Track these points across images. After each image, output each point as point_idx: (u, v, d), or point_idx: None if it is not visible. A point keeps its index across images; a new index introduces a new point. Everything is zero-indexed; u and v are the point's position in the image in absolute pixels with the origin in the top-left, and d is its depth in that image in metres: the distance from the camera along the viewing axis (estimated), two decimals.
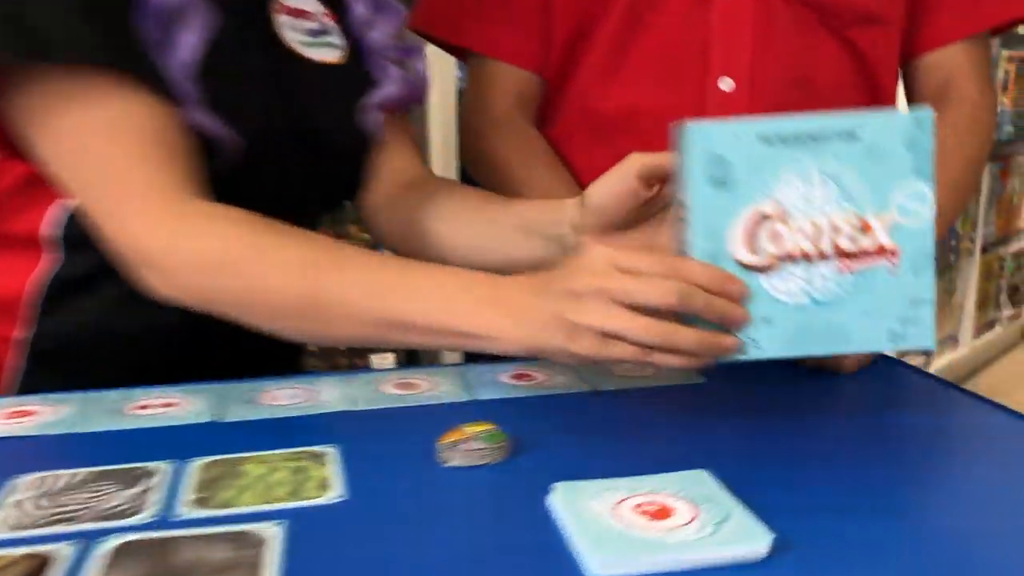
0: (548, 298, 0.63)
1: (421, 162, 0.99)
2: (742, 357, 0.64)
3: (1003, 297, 4.04)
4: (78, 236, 0.76)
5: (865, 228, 0.64)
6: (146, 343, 0.83)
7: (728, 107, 0.95)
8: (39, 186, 0.76)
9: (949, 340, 3.69)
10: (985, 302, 3.88)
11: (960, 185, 0.96)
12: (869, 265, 0.65)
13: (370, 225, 0.97)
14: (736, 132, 0.63)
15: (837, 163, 0.64)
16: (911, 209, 0.64)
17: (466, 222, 0.86)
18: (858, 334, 0.65)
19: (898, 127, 0.64)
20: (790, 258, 0.64)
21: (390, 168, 0.95)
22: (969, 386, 3.50)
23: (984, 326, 3.90)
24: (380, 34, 0.92)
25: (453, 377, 0.82)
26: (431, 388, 0.79)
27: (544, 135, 1.03)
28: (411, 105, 0.97)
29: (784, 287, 0.64)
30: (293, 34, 0.86)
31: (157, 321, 0.77)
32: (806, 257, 0.64)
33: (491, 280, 0.67)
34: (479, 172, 1.04)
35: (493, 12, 1.02)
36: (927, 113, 0.64)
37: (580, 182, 0.98)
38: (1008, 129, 3.74)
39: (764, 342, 0.64)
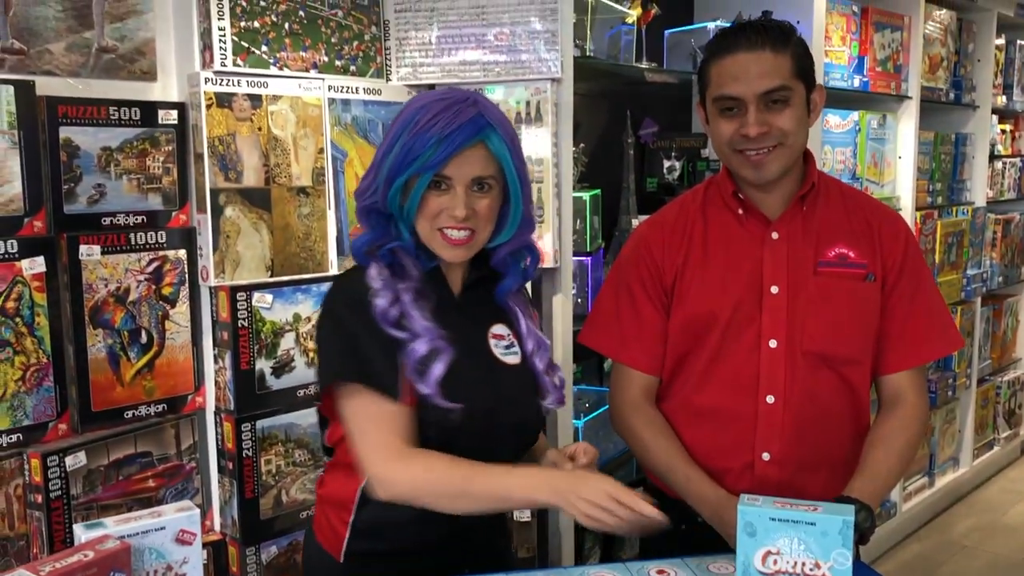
0: (577, 492, 1.30)
1: None
2: None
3: (1000, 420, 4.65)
4: None
5: (817, 566, 1.29)
6: (416, 525, 1.42)
7: (771, 414, 1.61)
8: None
9: (951, 462, 4.29)
10: (983, 426, 4.49)
11: (904, 455, 1.62)
12: None
13: None
14: (760, 513, 1.30)
15: (805, 535, 1.29)
16: (839, 560, 1.28)
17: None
18: None
19: (836, 524, 1.28)
20: (782, 573, 1.30)
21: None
22: (969, 502, 4.11)
23: (983, 447, 4.50)
24: (539, 361, 1.53)
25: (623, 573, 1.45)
26: None
27: (660, 408, 1.71)
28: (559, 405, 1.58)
29: None
30: (497, 348, 1.50)
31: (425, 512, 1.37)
32: (790, 574, 1.29)
33: (548, 473, 1.41)
34: (624, 435, 1.72)
35: (631, 340, 1.70)
36: (850, 519, 1.27)
37: (688, 449, 1.66)
38: (999, 279, 4.41)
39: None
